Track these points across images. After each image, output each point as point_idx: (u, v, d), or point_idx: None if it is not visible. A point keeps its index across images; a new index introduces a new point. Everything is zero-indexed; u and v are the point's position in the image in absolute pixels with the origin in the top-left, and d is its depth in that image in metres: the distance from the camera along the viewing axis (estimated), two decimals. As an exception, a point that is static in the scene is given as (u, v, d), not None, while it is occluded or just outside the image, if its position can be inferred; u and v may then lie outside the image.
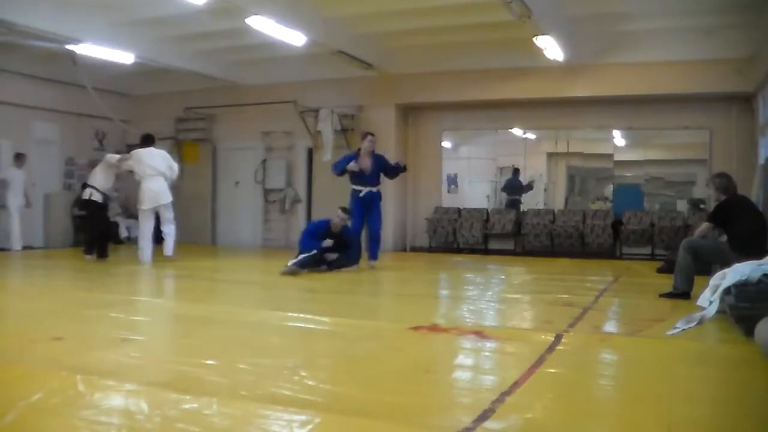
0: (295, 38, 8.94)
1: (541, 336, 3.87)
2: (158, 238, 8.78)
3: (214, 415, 2.38)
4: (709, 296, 4.37)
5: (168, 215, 8.67)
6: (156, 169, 8.52)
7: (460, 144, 13.00)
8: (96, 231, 9.09)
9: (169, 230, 8.73)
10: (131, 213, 11.68)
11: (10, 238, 10.56)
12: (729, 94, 9.84)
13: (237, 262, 9.90)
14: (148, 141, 8.82)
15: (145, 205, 8.53)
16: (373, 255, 8.14)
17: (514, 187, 12.36)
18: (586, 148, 12.34)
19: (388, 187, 11.74)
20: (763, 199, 7.95)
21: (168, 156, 8.84)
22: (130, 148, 9.69)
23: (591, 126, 11.42)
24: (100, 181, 9.03)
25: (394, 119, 11.75)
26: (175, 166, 8.82)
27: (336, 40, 9.66)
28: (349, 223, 7.83)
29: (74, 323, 4.40)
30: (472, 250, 11.41)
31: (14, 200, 10.54)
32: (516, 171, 12.40)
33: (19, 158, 10.61)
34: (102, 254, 8.96)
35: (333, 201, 11.74)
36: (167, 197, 8.62)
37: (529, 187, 12.35)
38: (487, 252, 11.45)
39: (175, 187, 9.30)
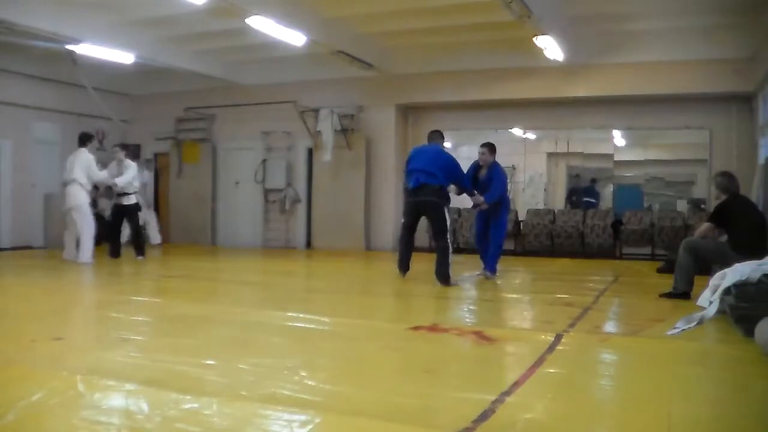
0: (295, 38, 8.94)
1: (541, 336, 3.87)
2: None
3: (214, 415, 2.38)
4: (709, 296, 4.37)
5: (76, 218, 8.57)
6: (70, 173, 8.53)
7: (460, 144, 12.99)
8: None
9: (79, 232, 8.62)
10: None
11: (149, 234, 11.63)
12: (729, 94, 9.84)
13: (237, 263, 9.89)
14: (80, 141, 8.80)
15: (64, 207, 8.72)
16: (488, 266, 7.36)
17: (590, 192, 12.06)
18: (586, 148, 12.32)
19: (387, 186, 11.79)
20: (763, 199, 7.94)
21: (89, 162, 8.65)
22: (126, 147, 9.68)
23: (591, 126, 11.41)
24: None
25: (394, 119, 11.76)
26: (95, 174, 8.68)
27: (336, 40, 9.66)
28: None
29: (74, 323, 4.41)
30: (472, 250, 11.39)
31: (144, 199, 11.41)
32: (593, 181, 12.12)
33: (147, 161, 11.76)
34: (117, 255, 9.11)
35: (333, 201, 11.82)
36: (74, 200, 8.52)
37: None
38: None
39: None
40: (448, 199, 6.85)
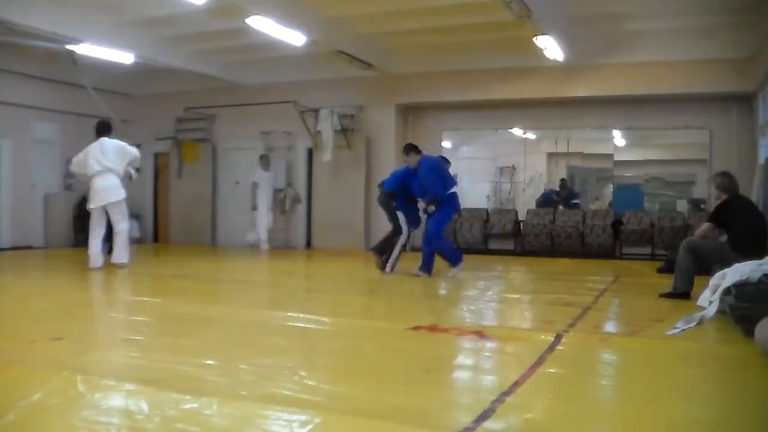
0: (295, 38, 8.94)
1: (541, 336, 3.87)
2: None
3: (214, 415, 2.38)
4: (709, 296, 4.37)
5: (117, 215, 7.67)
6: (104, 165, 7.54)
7: (460, 144, 13.00)
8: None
9: (120, 230, 7.70)
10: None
11: (258, 238, 11.59)
12: (729, 94, 9.84)
13: (237, 262, 9.89)
14: (101, 131, 7.76)
15: (93, 203, 7.63)
16: (422, 264, 7.29)
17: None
18: (586, 148, 12.34)
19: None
20: (763, 199, 7.95)
21: (123, 147, 7.78)
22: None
23: (591, 126, 11.42)
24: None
25: (394, 119, 11.76)
26: (133, 156, 7.82)
27: (336, 40, 9.66)
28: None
29: (74, 323, 4.40)
30: (472, 250, 11.41)
31: (264, 201, 11.50)
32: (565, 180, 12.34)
33: (263, 159, 11.58)
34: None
35: (333, 201, 11.82)
36: (115, 195, 7.60)
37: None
38: (487, 252, 11.45)
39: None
40: (394, 200, 7.54)
